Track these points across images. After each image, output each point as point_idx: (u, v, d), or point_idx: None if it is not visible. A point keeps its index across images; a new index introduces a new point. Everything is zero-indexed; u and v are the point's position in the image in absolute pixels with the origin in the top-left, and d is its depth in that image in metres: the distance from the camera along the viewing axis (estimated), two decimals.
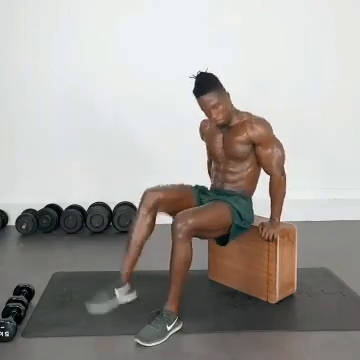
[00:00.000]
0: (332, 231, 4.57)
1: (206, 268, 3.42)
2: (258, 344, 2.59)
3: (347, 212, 4.83)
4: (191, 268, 2.76)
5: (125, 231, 4.59)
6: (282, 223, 3.04)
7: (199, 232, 2.77)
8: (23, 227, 4.53)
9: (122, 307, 2.94)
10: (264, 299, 3.04)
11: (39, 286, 3.18)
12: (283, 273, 3.01)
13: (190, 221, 2.67)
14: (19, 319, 2.72)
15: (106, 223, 4.60)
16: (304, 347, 2.62)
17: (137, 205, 2.87)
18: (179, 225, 2.66)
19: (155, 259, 3.35)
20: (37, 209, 4.71)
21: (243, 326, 2.78)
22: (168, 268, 2.73)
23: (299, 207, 4.54)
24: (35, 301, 3.04)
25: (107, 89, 4.78)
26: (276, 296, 3.00)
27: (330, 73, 4.88)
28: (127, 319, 2.82)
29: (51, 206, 4.77)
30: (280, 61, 4.81)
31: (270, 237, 2.96)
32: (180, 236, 2.65)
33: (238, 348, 2.56)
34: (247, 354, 2.52)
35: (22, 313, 2.76)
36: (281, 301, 3.05)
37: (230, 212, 2.90)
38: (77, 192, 4.84)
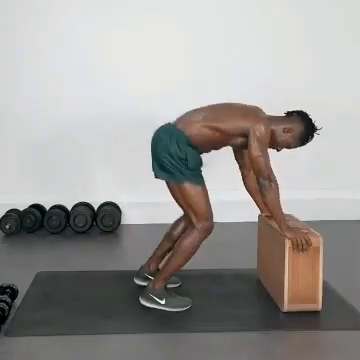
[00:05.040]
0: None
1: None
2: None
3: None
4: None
5: (108, 231, 4.64)
6: (310, 232, 2.95)
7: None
8: (7, 227, 4.55)
9: (105, 306, 3.00)
10: (280, 306, 2.96)
11: (22, 286, 3.20)
12: (297, 284, 2.87)
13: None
14: (3, 319, 2.74)
15: (90, 223, 4.63)
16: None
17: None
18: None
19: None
20: (21, 209, 4.73)
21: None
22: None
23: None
24: (18, 301, 3.06)
25: (90, 90, 4.81)
26: (284, 305, 2.90)
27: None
28: (110, 318, 2.86)
29: (35, 206, 4.79)
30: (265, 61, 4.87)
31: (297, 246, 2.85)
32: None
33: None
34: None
35: (6, 313, 2.78)
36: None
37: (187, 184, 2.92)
38: (61, 192, 4.88)
